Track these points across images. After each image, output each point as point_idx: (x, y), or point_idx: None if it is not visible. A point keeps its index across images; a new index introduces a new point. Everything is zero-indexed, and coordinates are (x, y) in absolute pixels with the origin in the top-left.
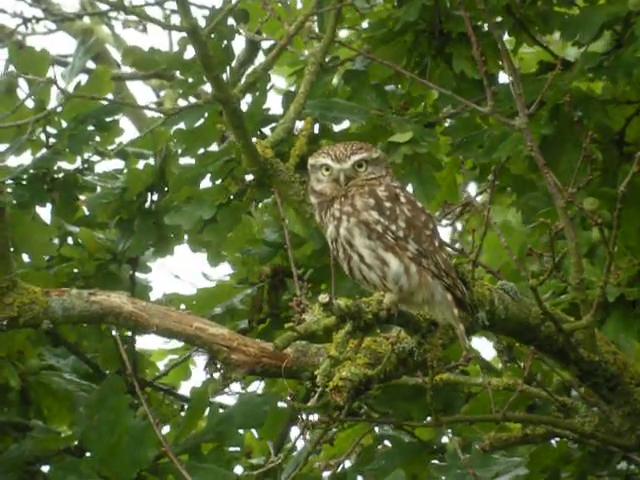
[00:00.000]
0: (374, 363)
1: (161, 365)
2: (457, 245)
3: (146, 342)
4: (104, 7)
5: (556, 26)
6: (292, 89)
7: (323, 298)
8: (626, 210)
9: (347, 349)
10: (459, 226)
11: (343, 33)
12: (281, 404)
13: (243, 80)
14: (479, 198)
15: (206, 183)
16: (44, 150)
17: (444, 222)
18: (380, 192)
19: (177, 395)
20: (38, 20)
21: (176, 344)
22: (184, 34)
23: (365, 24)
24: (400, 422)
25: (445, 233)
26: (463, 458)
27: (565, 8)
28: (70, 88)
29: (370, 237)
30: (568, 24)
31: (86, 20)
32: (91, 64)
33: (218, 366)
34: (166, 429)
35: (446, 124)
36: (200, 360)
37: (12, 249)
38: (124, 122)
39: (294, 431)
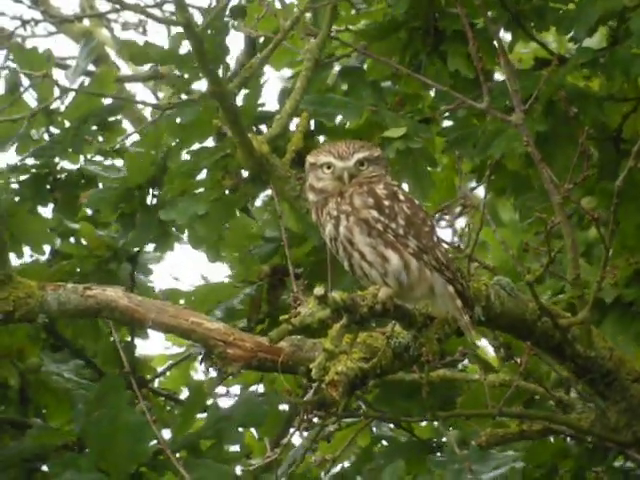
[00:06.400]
0: (370, 358)
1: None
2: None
3: (147, 348)
4: (103, 9)
5: (551, 21)
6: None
7: (318, 291)
8: (623, 208)
9: (343, 343)
10: (458, 227)
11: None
12: (280, 406)
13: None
14: (479, 190)
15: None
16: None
17: (443, 223)
18: (379, 190)
19: (178, 400)
20: (37, 22)
21: (177, 350)
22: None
23: (361, 25)
24: (396, 417)
25: (445, 234)
26: (460, 452)
27: (561, 3)
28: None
29: (370, 235)
30: (563, 19)
31: (86, 22)
32: (91, 67)
33: (214, 360)
34: (167, 433)
35: (443, 124)
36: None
37: (11, 241)
38: (124, 124)
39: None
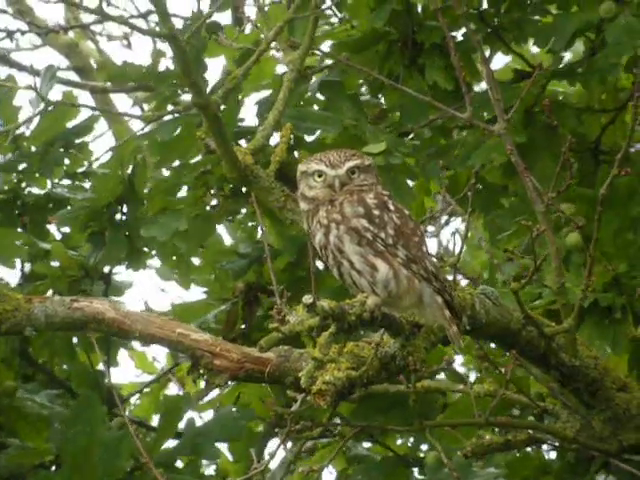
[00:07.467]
0: (357, 367)
1: (132, 399)
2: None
3: (117, 377)
4: (87, 20)
5: (530, 34)
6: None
7: (307, 299)
8: (602, 215)
9: (330, 352)
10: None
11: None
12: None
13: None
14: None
15: (182, 195)
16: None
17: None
18: (369, 200)
19: (149, 427)
20: (23, 33)
21: (147, 377)
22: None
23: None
24: (383, 428)
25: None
26: (447, 463)
27: (540, 15)
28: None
29: (360, 243)
30: (541, 31)
31: (71, 35)
32: (76, 77)
33: (201, 372)
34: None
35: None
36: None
37: None
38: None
39: (271, 446)
